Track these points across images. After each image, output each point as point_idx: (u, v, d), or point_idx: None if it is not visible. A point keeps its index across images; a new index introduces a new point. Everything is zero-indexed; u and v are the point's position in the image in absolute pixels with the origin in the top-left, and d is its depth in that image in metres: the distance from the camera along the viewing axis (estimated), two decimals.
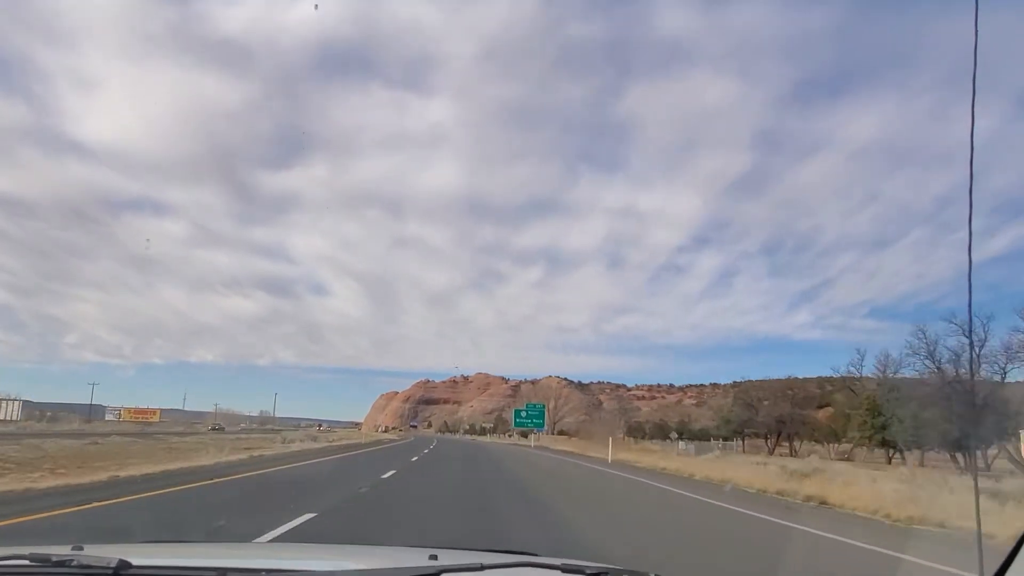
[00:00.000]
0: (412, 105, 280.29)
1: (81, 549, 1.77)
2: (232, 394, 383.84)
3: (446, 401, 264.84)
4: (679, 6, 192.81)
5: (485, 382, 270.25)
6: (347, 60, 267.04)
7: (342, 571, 1.76)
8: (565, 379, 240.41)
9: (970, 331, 32.89)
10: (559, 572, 1.75)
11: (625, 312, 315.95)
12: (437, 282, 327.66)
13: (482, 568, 1.65)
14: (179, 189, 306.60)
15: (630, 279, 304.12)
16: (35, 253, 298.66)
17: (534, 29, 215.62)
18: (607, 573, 1.71)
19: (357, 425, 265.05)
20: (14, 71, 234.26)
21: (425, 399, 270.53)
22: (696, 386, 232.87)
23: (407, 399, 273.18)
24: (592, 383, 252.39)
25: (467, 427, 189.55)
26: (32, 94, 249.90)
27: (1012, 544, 1.18)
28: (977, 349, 34.67)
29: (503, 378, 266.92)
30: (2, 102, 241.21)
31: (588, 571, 1.71)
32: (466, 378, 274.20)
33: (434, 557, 1.83)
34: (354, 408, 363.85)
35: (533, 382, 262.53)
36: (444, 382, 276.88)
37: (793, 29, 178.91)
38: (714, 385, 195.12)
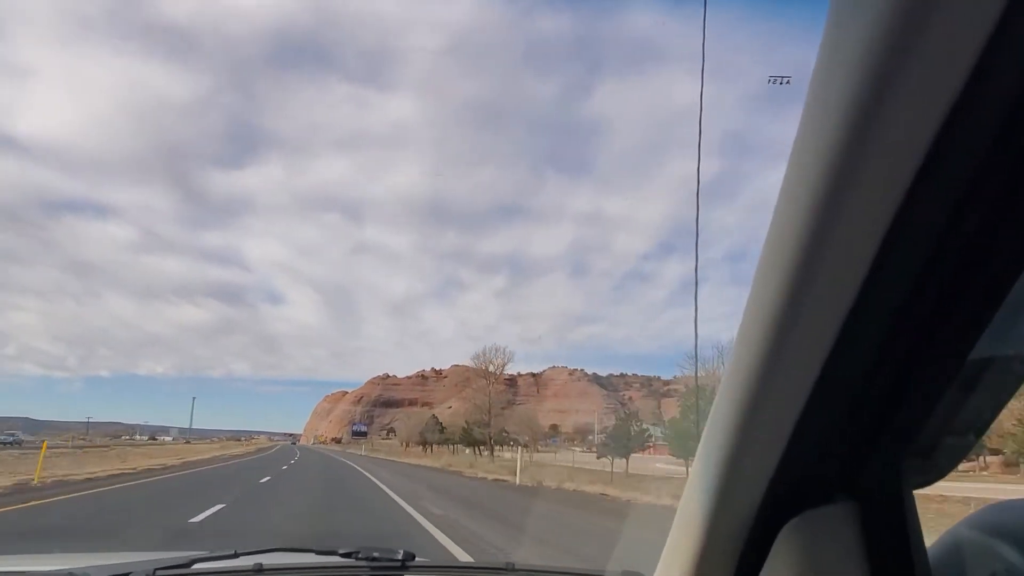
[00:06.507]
0: (372, 101, 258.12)
1: None
2: (173, 407, 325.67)
3: (412, 403, 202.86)
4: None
5: (464, 376, 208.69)
6: (303, 51, 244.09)
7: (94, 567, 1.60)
8: (580, 370, 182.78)
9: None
10: (312, 554, 1.78)
11: (589, 321, 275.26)
12: (398, 290, 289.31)
13: (235, 555, 1.67)
14: (124, 190, 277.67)
15: (595, 287, 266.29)
16: None
17: (501, 21, 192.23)
18: (358, 552, 1.75)
19: (292, 436, 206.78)
20: None
21: (384, 400, 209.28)
22: None
23: (359, 400, 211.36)
24: (612, 375, 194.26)
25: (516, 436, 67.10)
26: None
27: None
28: None
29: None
30: None
31: (340, 552, 1.76)
32: (438, 372, 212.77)
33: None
34: (299, 417, 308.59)
35: (535, 375, 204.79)
36: (409, 378, 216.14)
37: (767, 26, 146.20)
38: None
